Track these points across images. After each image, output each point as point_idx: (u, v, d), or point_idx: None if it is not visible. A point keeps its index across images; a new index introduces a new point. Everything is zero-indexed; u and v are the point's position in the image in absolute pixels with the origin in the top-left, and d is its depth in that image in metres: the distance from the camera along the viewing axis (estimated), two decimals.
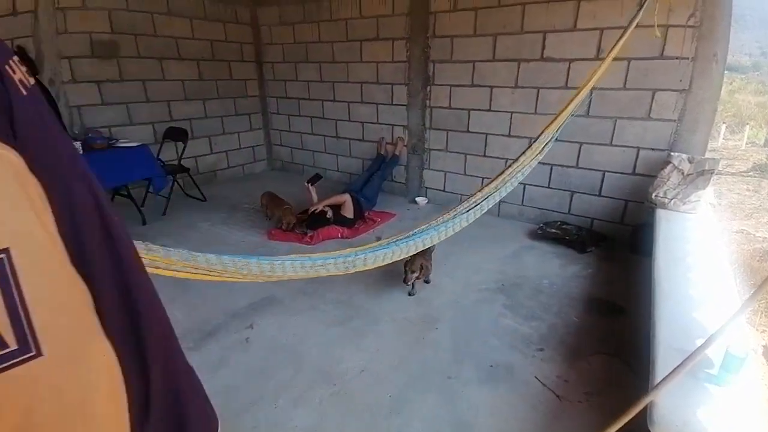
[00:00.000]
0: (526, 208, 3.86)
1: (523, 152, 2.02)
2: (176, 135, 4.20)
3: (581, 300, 2.50)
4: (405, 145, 4.49)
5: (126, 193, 3.81)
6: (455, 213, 1.88)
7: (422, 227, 1.85)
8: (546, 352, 2.04)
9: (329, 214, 3.54)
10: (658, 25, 2.39)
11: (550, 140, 2.02)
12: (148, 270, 1.40)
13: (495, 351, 2.06)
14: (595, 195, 3.45)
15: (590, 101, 3.27)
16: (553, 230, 3.35)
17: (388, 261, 1.86)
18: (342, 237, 3.48)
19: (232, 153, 5.29)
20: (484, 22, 3.59)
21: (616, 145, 3.27)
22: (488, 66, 3.69)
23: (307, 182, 3.75)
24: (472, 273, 2.85)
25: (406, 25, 4.07)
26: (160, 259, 1.42)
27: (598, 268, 2.91)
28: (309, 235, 3.41)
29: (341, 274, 1.78)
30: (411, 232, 1.83)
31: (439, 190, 4.39)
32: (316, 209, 3.49)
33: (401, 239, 1.90)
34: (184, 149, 4.20)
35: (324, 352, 2.03)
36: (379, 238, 3.33)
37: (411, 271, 2.40)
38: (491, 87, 3.74)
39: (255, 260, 1.58)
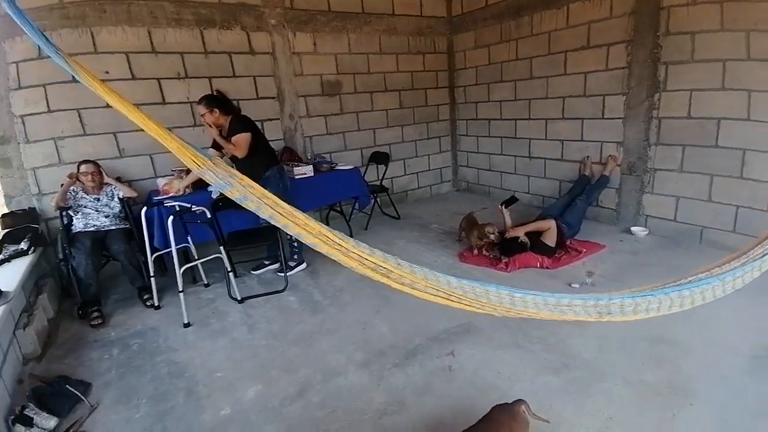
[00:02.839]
0: None
1: None
2: (380, 158, 4.64)
3: None
4: (618, 165, 3.83)
5: (339, 209, 4.38)
6: (746, 259, 1.37)
7: (699, 275, 1.41)
8: None
9: (522, 239, 3.24)
10: None
11: None
12: (394, 285, 1.39)
13: None
14: None
15: None
16: None
17: (653, 314, 1.47)
18: (541, 266, 3.14)
19: (421, 174, 5.55)
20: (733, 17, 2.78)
21: None
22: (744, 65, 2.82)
23: (502, 204, 3.55)
24: (737, 332, 2.12)
25: (628, 26, 3.51)
26: (406, 275, 1.47)
27: None
28: (504, 261, 3.20)
29: (592, 320, 1.50)
30: (686, 279, 1.41)
31: (667, 219, 3.56)
32: (516, 236, 3.22)
33: (671, 286, 1.47)
34: (385, 171, 4.59)
35: (538, 405, 1.77)
36: (590, 273, 2.90)
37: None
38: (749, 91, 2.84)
39: (494, 289, 1.47)
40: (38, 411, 1.81)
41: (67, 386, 1.93)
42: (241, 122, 3.00)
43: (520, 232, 3.22)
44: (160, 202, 2.96)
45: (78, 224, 3.02)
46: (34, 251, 2.86)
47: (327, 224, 4.61)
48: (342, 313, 2.67)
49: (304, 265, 3.41)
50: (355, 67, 4.63)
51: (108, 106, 3.45)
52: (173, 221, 2.60)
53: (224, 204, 2.85)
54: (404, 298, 2.75)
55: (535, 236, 3.25)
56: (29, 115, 3.11)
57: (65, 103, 3.22)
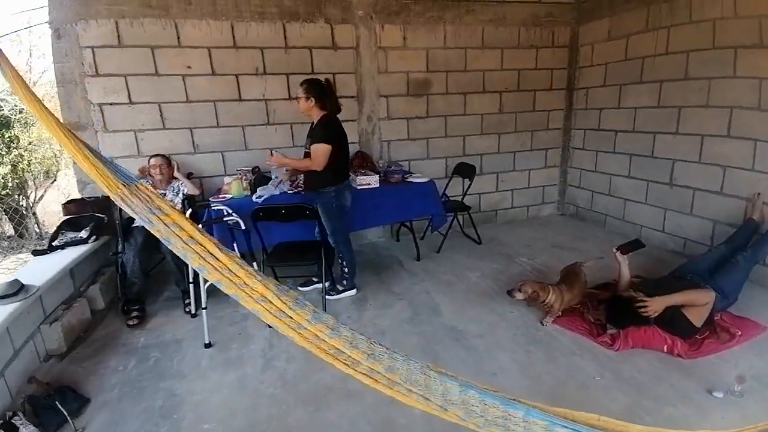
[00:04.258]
0: None
1: None
2: (465, 171, 3.96)
3: None
4: None
5: (409, 225, 3.83)
6: None
7: None
8: None
9: (649, 312, 2.16)
10: None
11: None
12: (364, 381, 1.02)
13: None
14: None
15: None
16: None
17: None
18: (670, 352, 2.16)
19: (518, 192, 4.67)
20: None
21: None
22: None
23: (617, 249, 2.59)
24: None
25: None
26: (380, 372, 1.01)
27: None
28: (610, 333, 2.29)
29: None
30: None
31: None
32: (646, 311, 2.15)
33: None
34: (469, 186, 3.90)
35: None
36: (741, 378, 1.86)
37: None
38: None
39: (521, 413, 0.95)
40: (26, 423, 1.70)
41: (56, 403, 1.78)
42: (326, 128, 2.59)
43: (659, 306, 2.14)
44: (209, 205, 2.78)
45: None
46: (95, 240, 2.93)
47: (398, 240, 4.13)
48: None
49: (353, 292, 2.96)
50: (449, 64, 4.01)
51: (188, 101, 3.53)
52: (207, 227, 2.37)
53: (265, 214, 2.54)
54: (462, 364, 2.12)
55: (677, 310, 2.19)
56: (109, 104, 3.19)
57: (147, 95, 3.27)
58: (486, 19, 4.01)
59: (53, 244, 2.82)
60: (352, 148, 3.82)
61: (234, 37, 3.37)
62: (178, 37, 3.24)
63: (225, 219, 2.43)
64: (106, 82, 3.15)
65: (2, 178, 6.58)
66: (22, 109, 6.78)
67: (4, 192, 6.71)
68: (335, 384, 2.00)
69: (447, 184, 4.07)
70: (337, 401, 1.90)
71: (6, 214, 7.03)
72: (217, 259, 1.05)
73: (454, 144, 4.25)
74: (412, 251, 3.64)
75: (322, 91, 2.59)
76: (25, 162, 7.29)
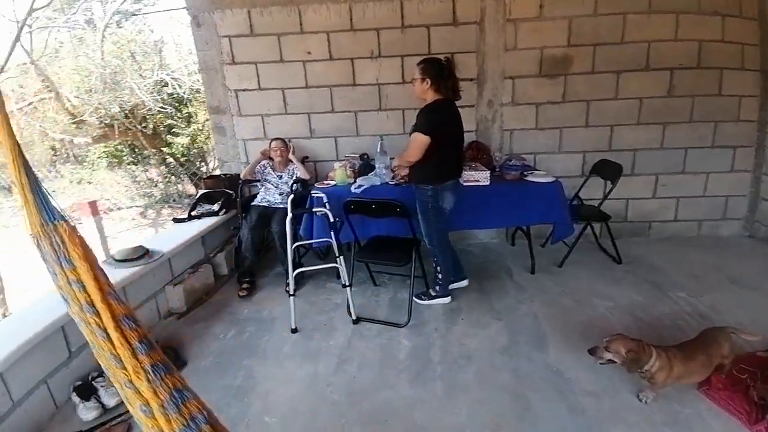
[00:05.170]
0: None
1: None
2: (607, 171, 3.20)
3: None
4: None
5: (525, 229, 3.30)
6: None
7: None
8: None
9: None
10: None
11: None
12: None
13: None
14: None
15: None
16: None
17: None
18: None
19: (686, 201, 3.62)
20: None
21: None
22: None
23: None
24: None
25: None
26: None
27: None
28: None
29: None
30: None
31: None
32: None
33: None
34: (611, 190, 3.15)
35: None
36: None
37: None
38: None
39: None
40: (108, 385, 1.82)
41: None
42: (430, 117, 2.27)
43: None
44: (309, 192, 2.81)
45: (258, 197, 3.26)
46: (225, 213, 3.29)
47: (512, 245, 3.62)
48: (449, 398, 1.85)
49: (447, 300, 2.67)
50: (599, 36, 3.24)
51: (306, 86, 3.63)
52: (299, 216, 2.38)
53: (356, 208, 2.43)
54: (559, 428, 1.68)
55: None
56: (243, 90, 3.47)
57: (273, 82, 3.45)
58: None
59: (192, 213, 3.26)
60: (469, 138, 3.45)
61: (351, 19, 3.30)
62: (301, 24, 3.32)
63: (314, 210, 2.40)
64: (241, 70, 3.43)
65: (183, 147, 8.17)
66: (198, 89, 8.13)
67: (183, 159, 8.34)
68: (401, 409, 1.80)
69: (582, 185, 3.38)
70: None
71: (189, 178, 8.73)
72: (110, 340, 0.86)
73: (596, 135, 3.48)
74: (527, 261, 3.13)
75: (439, 72, 2.26)
76: (204, 135, 8.85)
